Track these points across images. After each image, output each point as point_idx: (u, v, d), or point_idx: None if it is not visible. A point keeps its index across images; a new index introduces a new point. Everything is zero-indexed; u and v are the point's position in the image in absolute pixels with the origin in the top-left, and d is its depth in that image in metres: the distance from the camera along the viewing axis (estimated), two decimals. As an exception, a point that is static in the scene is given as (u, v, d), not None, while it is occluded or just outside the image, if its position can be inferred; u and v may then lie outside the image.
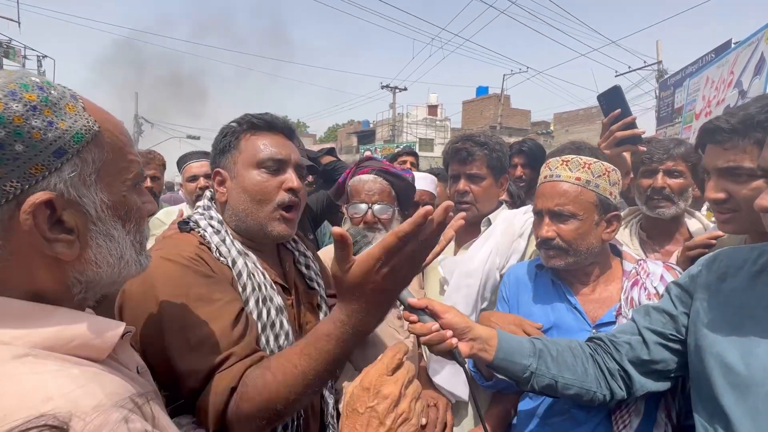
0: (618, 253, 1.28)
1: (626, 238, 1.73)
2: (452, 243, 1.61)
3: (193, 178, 2.54)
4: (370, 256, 0.68)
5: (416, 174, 2.00)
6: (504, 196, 1.87)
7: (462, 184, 1.59)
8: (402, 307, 0.88)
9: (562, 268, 1.20)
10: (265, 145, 1.01)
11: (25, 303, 0.50)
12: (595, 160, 1.18)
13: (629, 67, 18.74)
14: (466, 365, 0.88)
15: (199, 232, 0.98)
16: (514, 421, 1.30)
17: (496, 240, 1.50)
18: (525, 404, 1.23)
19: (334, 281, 0.72)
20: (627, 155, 1.56)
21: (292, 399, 0.74)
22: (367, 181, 1.46)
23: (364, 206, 1.43)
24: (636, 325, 1.00)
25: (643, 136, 1.47)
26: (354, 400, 0.62)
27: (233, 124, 1.05)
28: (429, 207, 0.65)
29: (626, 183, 2.29)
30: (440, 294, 1.57)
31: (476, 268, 1.45)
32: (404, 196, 1.54)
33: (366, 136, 32.99)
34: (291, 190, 1.01)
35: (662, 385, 0.97)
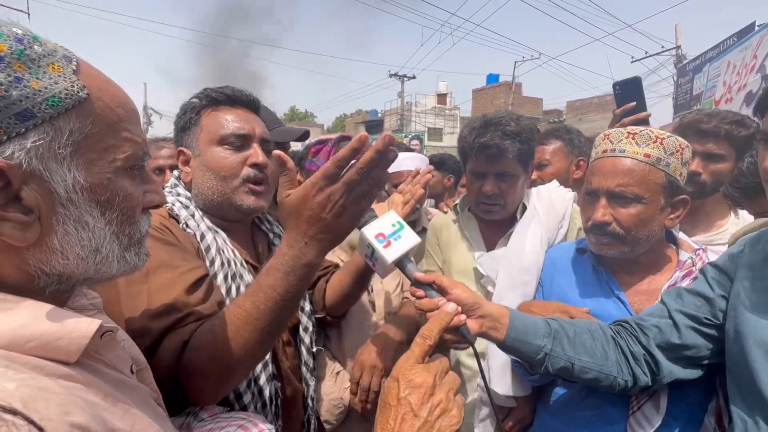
0: (673, 240, 1.12)
1: None
2: (480, 241, 1.44)
3: (160, 171, 1.88)
4: (307, 181, 0.68)
5: (405, 154, 1.85)
6: None
7: (490, 186, 1.33)
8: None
9: (623, 258, 1.05)
10: (227, 121, 0.97)
11: None
12: (669, 133, 1.02)
13: (646, 53, 18.14)
14: (474, 343, 0.80)
15: (166, 206, 0.94)
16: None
17: (540, 226, 1.33)
18: (553, 394, 1.14)
19: (280, 208, 0.71)
20: None
21: (242, 343, 0.69)
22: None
23: None
24: (666, 307, 0.93)
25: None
26: (386, 393, 0.57)
27: (194, 99, 1.01)
28: (365, 133, 0.61)
29: None
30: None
31: (531, 264, 1.27)
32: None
33: (374, 125, 32.81)
34: (256, 166, 0.97)
35: (691, 373, 0.91)
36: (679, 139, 1.02)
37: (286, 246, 0.70)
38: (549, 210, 1.39)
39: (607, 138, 1.06)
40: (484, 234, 1.46)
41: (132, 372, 0.56)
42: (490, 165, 1.33)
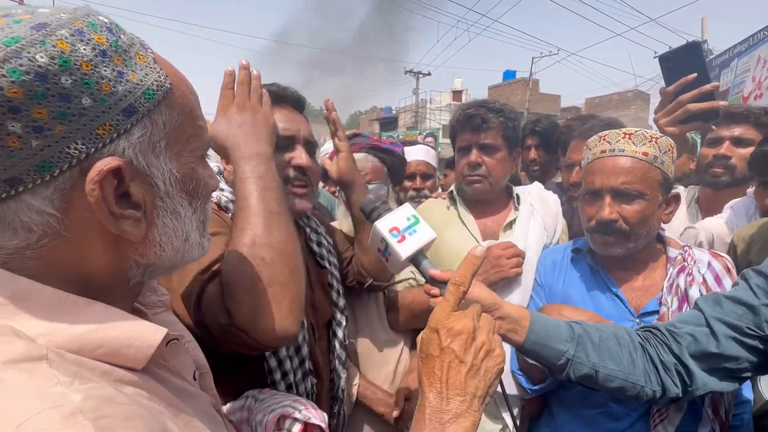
0: (661, 238, 1.17)
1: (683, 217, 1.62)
2: (474, 225, 1.47)
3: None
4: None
5: (410, 146, 1.94)
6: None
7: (474, 155, 1.42)
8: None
9: (620, 256, 1.09)
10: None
11: (58, 292, 0.42)
12: (660, 134, 1.07)
13: (670, 47, 17.49)
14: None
15: (213, 199, 0.93)
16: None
17: (540, 222, 1.40)
18: (557, 393, 1.16)
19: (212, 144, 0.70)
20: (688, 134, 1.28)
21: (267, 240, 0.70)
22: (360, 159, 1.39)
23: (380, 184, 1.38)
24: (703, 314, 0.87)
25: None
26: (426, 345, 0.57)
27: None
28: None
29: (686, 164, 2.09)
30: None
31: (532, 256, 1.33)
32: (395, 172, 1.48)
33: (388, 122, 32.71)
34: (299, 168, 0.95)
35: (728, 386, 0.86)
36: (669, 138, 1.07)
37: (243, 162, 0.75)
38: (544, 206, 1.44)
39: (604, 139, 1.10)
40: (477, 219, 1.49)
41: (195, 378, 0.55)
42: (475, 136, 1.42)
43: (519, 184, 2.15)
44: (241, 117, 0.80)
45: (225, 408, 0.81)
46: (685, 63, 1.16)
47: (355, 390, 1.27)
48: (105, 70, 0.40)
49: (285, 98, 0.98)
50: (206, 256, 0.74)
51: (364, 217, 0.74)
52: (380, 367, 1.33)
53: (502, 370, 0.58)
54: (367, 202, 0.74)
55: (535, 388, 1.15)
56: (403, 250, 0.69)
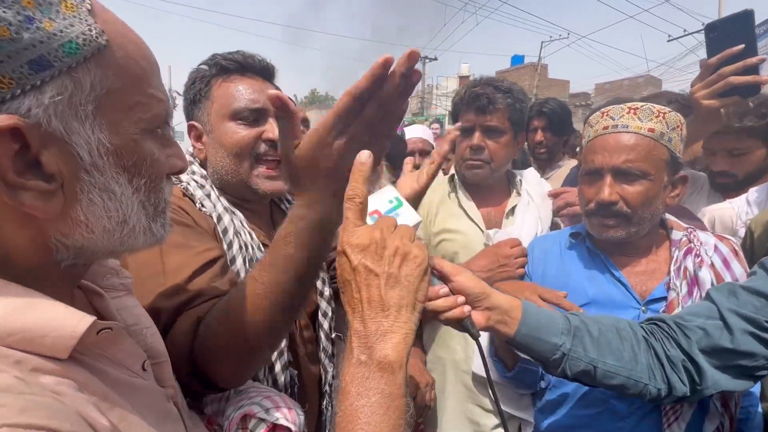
0: (662, 221, 1.09)
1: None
2: (476, 213, 1.42)
3: None
4: (319, 124, 0.56)
5: (408, 128, 1.96)
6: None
7: (477, 138, 1.34)
8: None
9: (621, 240, 1.01)
10: (240, 93, 0.89)
11: None
12: (668, 108, 0.99)
13: (684, 30, 17.08)
14: (480, 341, 0.75)
15: (180, 186, 0.89)
16: (537, 409, 1.15)
17: (535, 212, 1.37)
18: (550, 391, 1.09)
19: (283, 165, 0.61)
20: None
21: (262, 318, 0.62)
22: None
23: None
24: (716, 306, 0.81)
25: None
26: (340, 272, 0.52)
27: (202, 66, 0.93)
28: (388, 55, 0.52)
29: (698, 148, 2.05)
30: None
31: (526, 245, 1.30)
32: (396, 153, 1.44)
33: (394, 109, 32.28)
34: (270, 141, 0.90)
35: (741, 384, 0.80)
36: (678, 114, 0.98)
37: (303, 207, 0.60)
38: (541, 193, 1.41)
39: (606, 114, 1.02)
40: (480, 207, 1.43)
41: (144, 369, 0.50)
42: (479, 117, 1.34)
43: (526, 167, 2.12)
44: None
45: (206, 396, 0.77)
46: (732, 33, 1.10)
47: None
48: (5, 12, 0.35)
49: (252, 67, 0.91)
50: (183, 272, 0.72)
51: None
52: None
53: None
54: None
55: (509, 375, 1.10)
56: None
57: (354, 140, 0.56)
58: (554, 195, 1.39)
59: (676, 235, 1.05)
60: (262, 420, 0.70)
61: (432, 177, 0.97)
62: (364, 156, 0.55)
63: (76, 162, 0.40)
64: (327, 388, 1.04)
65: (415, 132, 2.12)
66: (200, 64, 0.95)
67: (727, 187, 1.49)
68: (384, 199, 0.67)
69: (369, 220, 0.64)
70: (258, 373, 0.84)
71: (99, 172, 0.42)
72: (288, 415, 0.71)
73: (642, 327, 0.87)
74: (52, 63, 0.37)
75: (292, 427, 0.71)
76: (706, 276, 0.96)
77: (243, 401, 0.72)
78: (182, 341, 0.66)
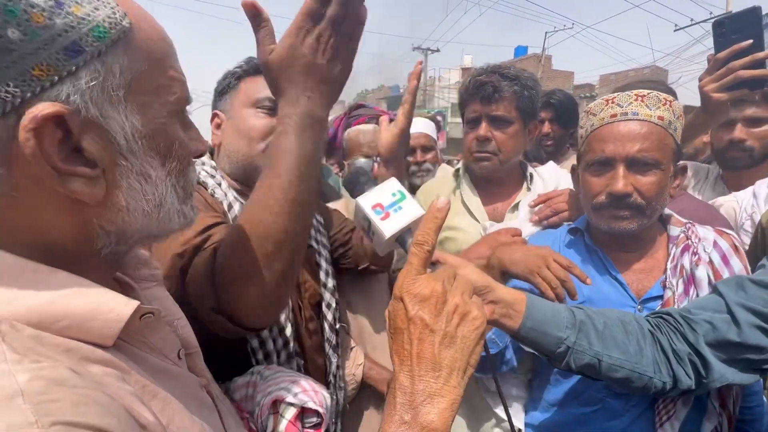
0: (660, 215, 1.07)
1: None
2: (480, 208, 1.38)
3: None
4: (290, 28, 0.61)
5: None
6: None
7: (483, 129, 1.26)
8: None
9: (629, 233, 0.97)
10: (264, 85, 0.92)
11: (19, 259, 0.38)
12: (672, 97, 0.96)
13: (691, 20, 16.77)
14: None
15: None
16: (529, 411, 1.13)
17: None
18: (547, 390, 1.07)
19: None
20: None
21: (273, 221, 0.63)
22: (368, 131, 1.33)
23: (368, 161, 1.31)
24: (724, 299, 0.80)
25: None
26: (393, 317, 0.50)
27: (237, 68, 1.02)
28: None
29: (701, 140, 2.03)
30: None
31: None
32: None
33: (396, 101, 32.19)
34: None
35: (748, 378, 0.80)
36: (679, 102, 0.97)
37: (289, 106, 0.63)
38: (558, 186, 1.34)
39: (613, 102, 0.97)
40: (486, 203, 1.37)
41: (180, 357, 0.51)
42: (485, 107, 1.27)
43: (540, 160, 2.05)
44: (324, 74, 0.64)
45: (233, 383, 0.80)
46: (740, 29, 1.15)
47: (360, 371, 1.28)
48: None
49: None
50: (195, 227, 0.72)
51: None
52: (387, 348, 1.33)
53: (482, 335, 0.50)
54: (350, 177, 0.70)
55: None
56: (387, 228, 0.64)
57: (322, 38, 0.61)
58: (540, 202, 1.27)
59: (673, 231, 1.02)
60: (291, 404, 0.73)
61: (408, 116, 0.99)
62: (441, 202, 0.55)
63: (114, 147, 0.41)
64: (331, 378, 1.06)
65: (417, 126, 1.98)
66: (236, 66, 1.03)
67: (739, 163, 1.47)
68: (387, 192, 0.67)
69: (372, 214, 0.64)
70: (264, 363, 0.87)
71: (135, 156, 0.42)
72: (315, 398, 0.74)
73: (648, 320, 0.86)
74: (84, 48, 0.37)
75: (320, 410, 0.74)
76: (702, 274, 0.94)
77: (271, 387, 0.75)
78: (201, 273, 0.68)
